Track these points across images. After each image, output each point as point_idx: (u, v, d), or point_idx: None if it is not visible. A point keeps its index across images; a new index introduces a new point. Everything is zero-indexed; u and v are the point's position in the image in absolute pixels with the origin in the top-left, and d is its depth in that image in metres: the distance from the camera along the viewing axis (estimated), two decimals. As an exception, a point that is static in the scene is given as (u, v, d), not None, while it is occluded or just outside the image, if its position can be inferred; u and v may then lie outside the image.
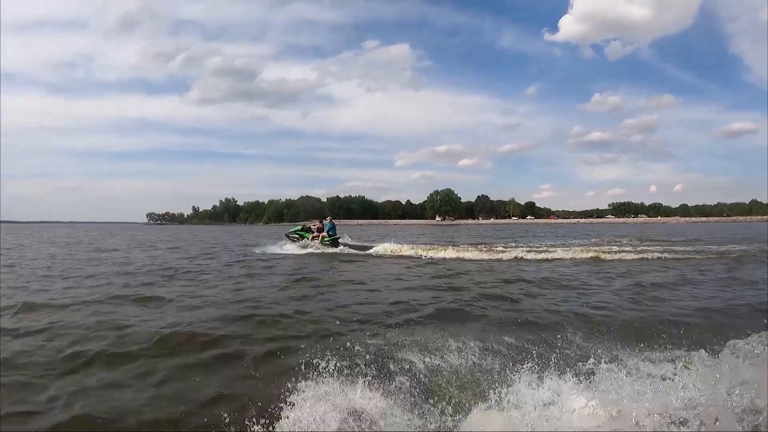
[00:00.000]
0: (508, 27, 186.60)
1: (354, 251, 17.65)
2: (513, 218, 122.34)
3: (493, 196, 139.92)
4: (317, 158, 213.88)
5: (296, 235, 18.94)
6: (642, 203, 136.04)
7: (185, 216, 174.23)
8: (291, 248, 18.13)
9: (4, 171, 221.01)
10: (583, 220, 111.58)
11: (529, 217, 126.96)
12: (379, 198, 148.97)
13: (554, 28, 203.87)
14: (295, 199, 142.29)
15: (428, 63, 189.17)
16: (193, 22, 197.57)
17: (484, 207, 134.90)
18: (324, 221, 18.76)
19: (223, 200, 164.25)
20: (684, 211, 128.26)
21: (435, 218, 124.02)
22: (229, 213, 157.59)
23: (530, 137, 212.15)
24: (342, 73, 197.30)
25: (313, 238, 18.25)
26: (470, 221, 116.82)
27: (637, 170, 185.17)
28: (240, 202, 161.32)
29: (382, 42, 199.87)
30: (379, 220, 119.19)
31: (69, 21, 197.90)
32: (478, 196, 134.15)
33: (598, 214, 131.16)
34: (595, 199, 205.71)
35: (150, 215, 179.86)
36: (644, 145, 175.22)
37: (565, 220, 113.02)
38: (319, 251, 17.37)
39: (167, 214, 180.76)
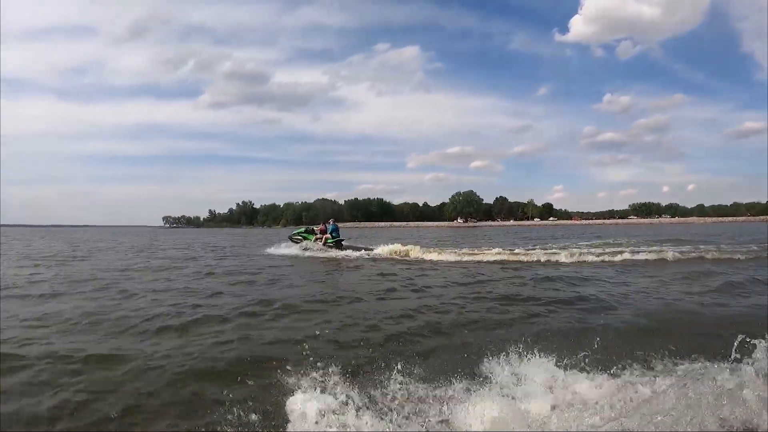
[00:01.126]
0: (519, 28, 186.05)
1: (361, 254, 17.32)
2: (535, 219, 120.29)
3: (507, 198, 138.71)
4: (328, 162, 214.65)
5: (299, 237, 19.19)
6: (658, 204, 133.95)
7: (201, 219, 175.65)
8: (294, 250, 18.27)
9: (16, 176, 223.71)
10: (608, 221, 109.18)
11: (551, 218, 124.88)
12: (392, 200, 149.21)
13: (564, 29, 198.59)
14: (311, 201, 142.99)
15: (439, 65, 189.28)
16: (203, 28, 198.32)
17: (503, 208, 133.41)
18: (327, 223, 18.87)
19: (240, 203, 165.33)
20: (701, 211, 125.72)
21: (456, 220, 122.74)
22: (246, 216, 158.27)
23: (542, 139, 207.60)
24: (353, 77, 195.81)
25: (316, 239, 18.39)
26: (492, 223, 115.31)
27: (649, 171, 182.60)
28: (256, 205, 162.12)
29: (393, 45, 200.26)
30: (400, 223, 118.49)
31: (79, 27, 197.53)
32: (497, 198, 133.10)
33: (620, 215, 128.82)
34: (608, 200, 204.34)
35: (166, 218, 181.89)
36: (656, 146, 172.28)
37: (588, 222, 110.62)
38: (329, 254, 17.30)
39: (183, 217, 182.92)
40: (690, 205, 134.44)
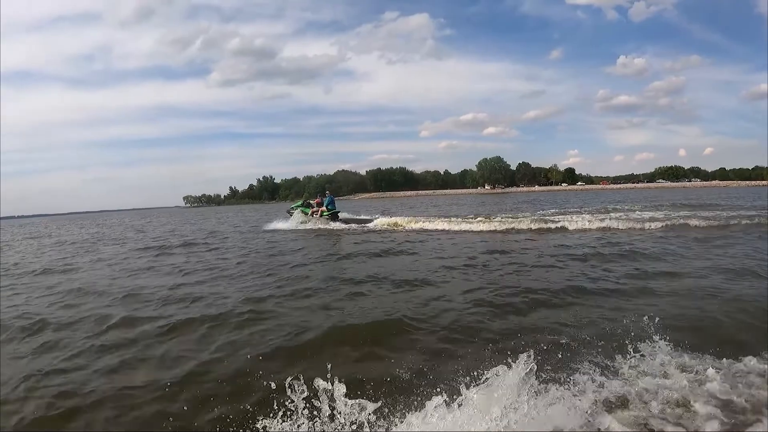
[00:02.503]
0: None
1: (356, 225, 17.45)
2: (562, 185, 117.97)
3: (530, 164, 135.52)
4: (341, 133, 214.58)
5: (299, 211, 19.26)
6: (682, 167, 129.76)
7: (222, 197, 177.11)
8: (292, 224, 18.41)
9: (30, 166, 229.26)
10: (639, 185, 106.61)
11: (579, 183, 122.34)
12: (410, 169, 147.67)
13: None
14: (327, 174, 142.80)
15: (449, 32, 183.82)
16: (208, 5, 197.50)
17: (526, 175, 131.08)
18: (324, 196, 19.03)
19: (261, 179, 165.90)
20: (722, 175, 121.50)
21: (483, 186, 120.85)
22: (267, 191, 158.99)
23: (555, 103, 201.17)
24: (362, 47, 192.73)
25: (312, 213, 18.50)
26: (521, 189, 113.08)
27: (665, 134, 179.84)
28: (277, 180, 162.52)
29: (401, 13, 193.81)
30: (426, 191, 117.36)
31: (83, 14, 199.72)
32: (520, 164, 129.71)
33: (647, 179, 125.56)
34: (624, 164, 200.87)
35: (187, 198, 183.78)
36: (672, 108, 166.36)
37: (618, 186, 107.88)
38: (324, 226, 17.28)
39: (204, 196, 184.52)
40: (709, 168, 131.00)
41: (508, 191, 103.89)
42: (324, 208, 18.42)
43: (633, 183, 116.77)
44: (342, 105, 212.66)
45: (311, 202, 19.59)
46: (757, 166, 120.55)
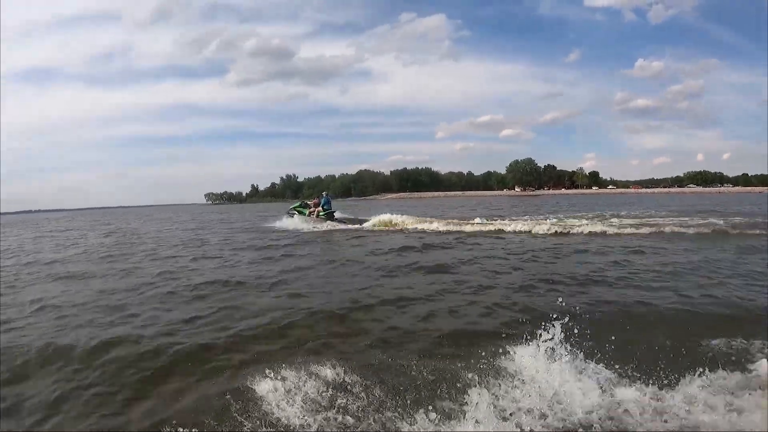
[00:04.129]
0: None
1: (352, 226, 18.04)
2: (594, 188, 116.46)
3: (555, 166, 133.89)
4: (357, 134, 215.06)
5: (295, 211, 20.02)
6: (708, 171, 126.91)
7: (243, 195, 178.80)
8: (292, 223, 19.21)
9: (51, 164, 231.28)
10: (673, 190, 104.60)
11: (610, 186, 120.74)
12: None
13: None
14: (342, 174, 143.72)
15: (466, 33, 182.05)
16: (226, 6, 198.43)
17: (552, 177, 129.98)
18: (320, 197, 19.76)
19: (284, 177, 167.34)
20: (746, 180, 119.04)
21: (514, 188, 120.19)
22: (291, 189, 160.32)
23: (572, 105, 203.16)
24: (379, 48, 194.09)
25: (310, 213, 19.21)
26: (551, 192, 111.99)
27: (683, 138, 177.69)
28: (300, 179, 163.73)
29: (418, 14, 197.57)
30: (455, 192, 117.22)
31: (103, 15, 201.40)
32: (546, 166, 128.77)
33: (675, 183, 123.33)
34: (641, 168, 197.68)
35: (208, 195, 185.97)
36: (690, 112, 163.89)
37: (652, 190, 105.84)
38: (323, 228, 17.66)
39: (225, 193, 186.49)
40: (729, 173, 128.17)
41: (539, 193, 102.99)
42: (320, 208, 19.06)
43: (664, 188, 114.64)
44: (358, 105, 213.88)
45: (308, 202, 20.48)
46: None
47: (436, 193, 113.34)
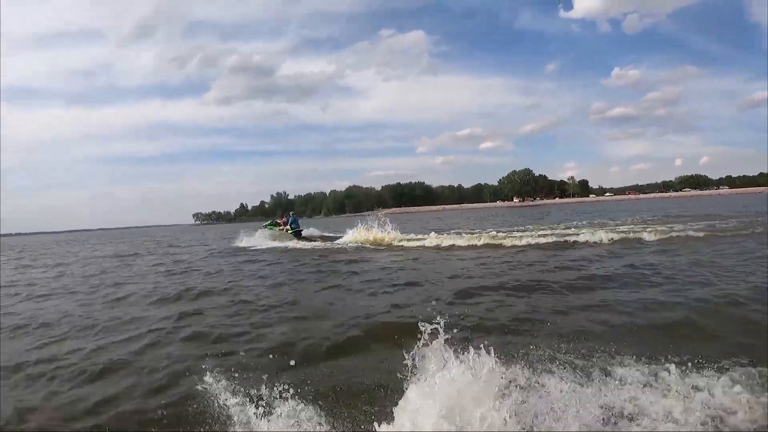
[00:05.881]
0: (524, 6, 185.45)
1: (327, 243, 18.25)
2: (591, 196, 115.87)
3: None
4: (338, 150, 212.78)
5: (267, 228, 21.35)
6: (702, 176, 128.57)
7: (232, 214, 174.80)
8: (264, 239, 20.25)
9: (32, 183, 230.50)
10: (675, 194, 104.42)
11: (607, 194, 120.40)
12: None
13: (569, 5, 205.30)
14: (318, 191, 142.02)
15: (445, 48, 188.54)
16: (208, 23, 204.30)
17: (544, 187, 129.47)
18: (287, 216, 21.12)
19: (274, 195, 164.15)
20: (730, 182, 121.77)
21: (513, 199, 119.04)
22: (281, 208, 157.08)
23: (552, 116, 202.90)
24: (359, 64, 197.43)
25: (279, 230, 20.61)
26: (553, 201, 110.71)
27: (662, 144, 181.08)
28: (291, 196, 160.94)
29: (398, 30, 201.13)
30: (453, 205, 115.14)
31: (85, 31, 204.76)
32: (539, 176, 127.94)
33: (673, 187, 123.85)
34: (621, 175, 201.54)
35: (196, 215, 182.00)
36: (668, 119, 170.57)
37: (651, 195, 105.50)
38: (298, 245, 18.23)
39: (213, 213, 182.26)
40: (711, 177, 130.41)
41: (539, 203, 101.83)
42: (288, 227, 20.16)
43: (659, 192, 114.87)
44: (339, 121, 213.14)
45: (278, 221, 21.70)
46: (761, 173, 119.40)
47: (433, 207, 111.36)
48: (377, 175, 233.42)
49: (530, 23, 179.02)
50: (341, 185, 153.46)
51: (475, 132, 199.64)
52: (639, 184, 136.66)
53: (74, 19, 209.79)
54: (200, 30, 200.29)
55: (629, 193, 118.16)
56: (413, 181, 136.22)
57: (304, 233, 20.40)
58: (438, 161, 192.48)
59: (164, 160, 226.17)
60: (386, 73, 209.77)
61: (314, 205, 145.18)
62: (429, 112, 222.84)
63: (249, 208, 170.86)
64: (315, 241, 19.43)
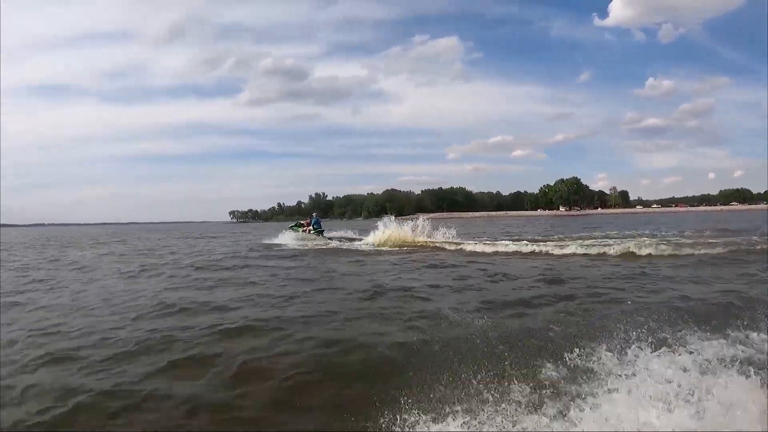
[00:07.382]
0: (558, 14, 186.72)
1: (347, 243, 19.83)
2: (638, 207, 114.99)
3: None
4: (368, 155, 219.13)
5: (292, 230, 22.65)
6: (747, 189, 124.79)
7: (269, 213, 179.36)
8: (291, 239, 21.49)
9: (66, 178, 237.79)
10: (725, 208, 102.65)
11: (654, 205, 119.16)
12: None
13: (604, 14, 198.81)
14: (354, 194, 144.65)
15: (478, 55, 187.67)
16: (240, 26, 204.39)
17: (585, 197, 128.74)
18: (311, 217, 22.58)
19: (312, 195, 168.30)
20: None
21: (559, 208, 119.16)
22: (320, 209, 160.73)
23: (583, 125, 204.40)
24: (391, 69, 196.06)
25: (303, 230, 21.87)
26: (597, 211, 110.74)
27: (694, 157, 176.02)
28: (329, 197, 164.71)
29: (431, 36, 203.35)
30: (496, 212, 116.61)
31: (119, 32, 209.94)
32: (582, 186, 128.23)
33: (713, 201, 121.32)
34: (653, 187, 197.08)
35: (233, 213, 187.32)
36: (700, 130, 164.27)
37: (707, 208, 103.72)
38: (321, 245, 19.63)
39: (250, 211, 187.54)
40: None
41: (586, 213, 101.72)
42: (310, 227, 21.69)
43: (707, 205, 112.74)
44: (370, 126, 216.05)
45: (302, 222, 23.16)
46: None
47: (476, 214, 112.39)
48: (407, 180, 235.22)
49: (563, 32, 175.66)
50: (372, 188, 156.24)
51: (506, 140, 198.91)
52: (675, 196, 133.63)
53: (108, 19, 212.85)
54: (233, 33, 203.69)
55: (679, 206, 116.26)
56: (455, 187, 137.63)
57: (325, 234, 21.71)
58: (468, 168, 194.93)
59: (194, 159, 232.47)
60: (418, 79, 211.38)
61: (354, 207, 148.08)
62: (460, 118, 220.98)
63: (284, 207, 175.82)
64: (348, 240, 20.99)
